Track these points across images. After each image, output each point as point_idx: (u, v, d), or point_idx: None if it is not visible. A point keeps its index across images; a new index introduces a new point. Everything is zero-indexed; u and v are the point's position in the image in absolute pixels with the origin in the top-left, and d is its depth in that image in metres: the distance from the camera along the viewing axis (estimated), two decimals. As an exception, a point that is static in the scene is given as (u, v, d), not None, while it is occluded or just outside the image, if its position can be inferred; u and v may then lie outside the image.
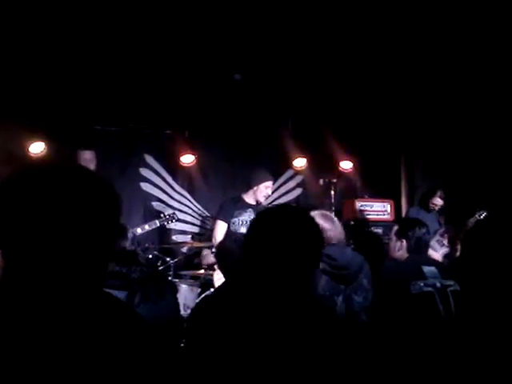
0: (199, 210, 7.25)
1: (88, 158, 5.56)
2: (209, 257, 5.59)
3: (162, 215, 6.19)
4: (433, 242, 4.06)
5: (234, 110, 6.80)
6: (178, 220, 6.53)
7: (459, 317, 3.06)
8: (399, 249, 3.64)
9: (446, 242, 4.31)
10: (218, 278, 4.56)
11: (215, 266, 4.77)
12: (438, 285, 3.34)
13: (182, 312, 4.80)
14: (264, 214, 1.96)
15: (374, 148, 7.38)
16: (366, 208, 7.02)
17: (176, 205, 7.11)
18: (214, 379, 1.65)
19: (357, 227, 6.53)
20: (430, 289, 3.30)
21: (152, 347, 1.20)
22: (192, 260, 6.46)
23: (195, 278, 5.71)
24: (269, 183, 5.74)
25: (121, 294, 3.02)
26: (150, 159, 7.04)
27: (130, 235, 5.06)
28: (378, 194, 7.34)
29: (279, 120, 7.09)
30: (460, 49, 5.42)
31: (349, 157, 7.17)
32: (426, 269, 3.42)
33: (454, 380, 2.12)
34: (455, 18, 4.88)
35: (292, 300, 1.76)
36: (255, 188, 5.66)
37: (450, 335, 2.98)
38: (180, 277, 5.79)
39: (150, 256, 5.69)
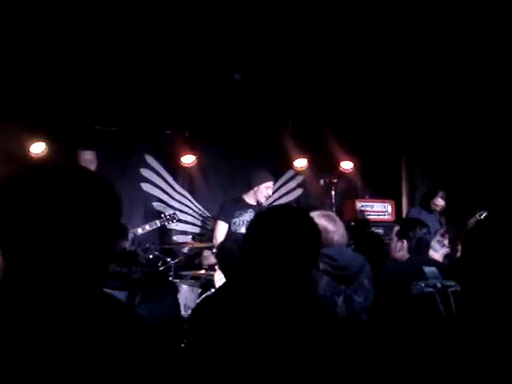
0: (200, 210, 7.25)
1: (88, 159, 5.56)
2: (210, 258, 5.59)
3: (162, 215, 6.19)
4: (433, 243, 4.05)
5: (234, 110, 6.80)
6: (179, 220, 6.53)
7: (460, 317, 3.06)
8: (400, 249, 3.64)
9: (446, 242, 4.31)
10: (219, 279, 4.55)
11: (216, 267, 4.77)
12: (439, 285, 3.34)
13: (183, 312, 4.79)
14: (262, 215, 1.97)
15: (374, 148, 7.37)
16: (367, 208, 7.02)
17: (176, 205, 7.11)
18: (214, 380, 1.65)
19: (357, 228, 6.52)
20: (430, 289, 3.30)
21: (153, 348, 1.19)
22: (193, 260, 6.46)
23: (196, 278, 5.71)
24: (269, 183, 5.74)
25: (121, 295, 3.01)
26: (150, 159, 7.04)
27: (130, 235, 5.07)
28: (378, 195, 7.33)
29: (279, 120, 7.09)
30: (460, 50, 5.42)
31: (349, 157, 7.16)
32: (427, 269, 3.42)
33: (454, 380, 2.12)
34: (455, 19, 4.88)
35: (292, 300, 1.76)
36: (256, 188, 5.66)
37: (450, 336, 2.98)
38: (181, 277, 5.78)
39: (151, 256, 5.69)
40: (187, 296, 5.18)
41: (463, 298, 3.11)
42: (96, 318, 1.14)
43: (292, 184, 7.66)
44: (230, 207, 5.67)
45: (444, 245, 4.25)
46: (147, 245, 6.16)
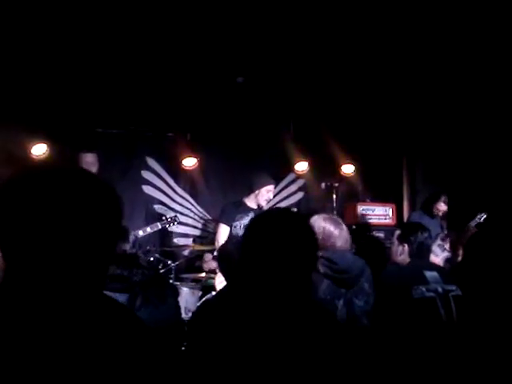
0: (201, 212, 7.25)
1: (90, 161, 5.56)
2: (211, 262, 5.60)
3: (163, 218, 6.19)
4: (434, 247, 4.05)
5: (236, 113, 6.81)
6: (180, 223, 6.52)
7: (461, 322, 3.05)
8: (401, 253, 3.63)
9: (447, 246, 4.31)
10: (220, 282, 4.55)
11: (217, 270, 4.76)
12: (440, 290, 3.33)
13: (183, 315, 4.80)
14: (258, 218, 1.99)
15: (375, 152, 7.38)
16: (368, 212, 7.02)
17: (178, 207, 7.11)
18: (214, 382, 1.65)
19: (359, 231, 6.52)
20: (431, 294, 3.29)
21: (153, 351, 1.19)
22: (193, 263, 6.45)
23: (196, 281, 5.70)
24: (270, 187, 5.74)
25: (122, 297, 3.01)
26: (151, 162, 7.04)
27: (131, 238, 5.07)
28: (379, 198, 7.34)
29: (281, 123, 7.09)
30: (461, 53, 5.42)
31: (350, 160, 7.16)
32: (428, 274, 3.41)
33: (455, 385, 2.11)
34: (456, 22, 4.88)
35: (292, 304, 1.76)
36: (257, 192, 5.66)
37: (451, 340, 2.97)
38: (181, 280, 5.77)
39: (152, 259, 5.69)
40: (188, 299, 5.18)
41: (464, 302, 3.11)
42: (96, 320, 1.14)
43: (293, 187, 7.65)
44: (231, 210, 5.67)
45: (445, 249, 4.25)
46: (148, 247, 6.16)
